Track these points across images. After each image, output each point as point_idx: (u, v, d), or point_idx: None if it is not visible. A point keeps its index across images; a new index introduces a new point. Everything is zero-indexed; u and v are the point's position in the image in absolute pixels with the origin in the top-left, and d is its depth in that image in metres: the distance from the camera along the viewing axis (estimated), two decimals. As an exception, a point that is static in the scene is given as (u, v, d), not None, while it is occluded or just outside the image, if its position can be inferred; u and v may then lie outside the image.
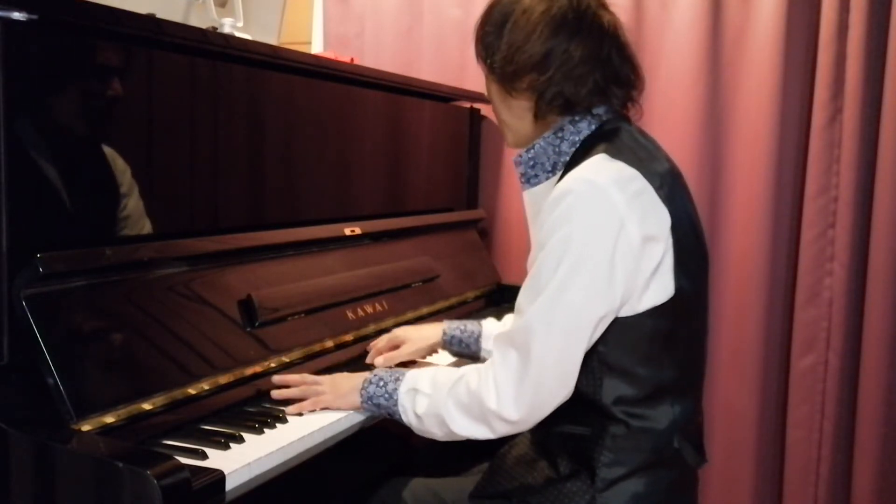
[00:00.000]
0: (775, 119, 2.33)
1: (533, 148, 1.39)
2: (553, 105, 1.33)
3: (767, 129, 2.34)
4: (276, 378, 1.51)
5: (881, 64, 2.21)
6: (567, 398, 1.27)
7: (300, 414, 1.44)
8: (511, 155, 2.72)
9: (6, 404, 1.16)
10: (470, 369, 1.34)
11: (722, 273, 2.43)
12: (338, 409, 1.46)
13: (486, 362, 1.32)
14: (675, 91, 2.42)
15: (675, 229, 1.28)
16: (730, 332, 2.43)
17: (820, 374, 2.35)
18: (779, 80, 2.31)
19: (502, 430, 1.30)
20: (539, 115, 1.36)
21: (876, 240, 2.23)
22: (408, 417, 1.39)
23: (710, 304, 1.45)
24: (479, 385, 1.29)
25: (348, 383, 1.47)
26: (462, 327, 1.75)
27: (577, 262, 1.23)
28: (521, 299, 1.29)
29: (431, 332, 1.76)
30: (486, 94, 1.45)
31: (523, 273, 1.34)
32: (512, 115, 1.40)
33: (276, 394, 1.48)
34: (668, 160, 1.38)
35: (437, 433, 1.36)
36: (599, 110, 1.36)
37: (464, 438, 1.34)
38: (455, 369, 1.38)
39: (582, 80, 1.31)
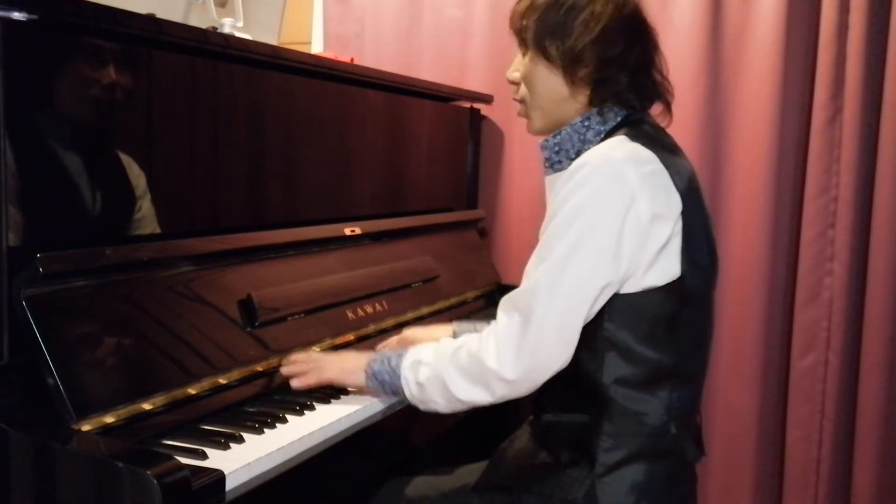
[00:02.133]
0: (775, 119, 2.33)
1: (559, 134, 1.42)
2: (606, 101, 1.38)
3: (767, 129, 2.34)
4: (286, 360, 1.54)
5: (881, 64, 2.21)
6: (566, 364, 1.29)
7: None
8: (512, 153, 2.72)
9: (6, 404, 1.16)
10: (471, 336, 1.37)
11: (722, 273, 2.42)
12: (341, 383, 1.50)
13: (489, 326, 1.35)
14: (675, 91, 2.41)
15: (686, 217, 1.31)
16: (730, 332, 2.43)
17: (820, 374, 2.35)
18: (779, 80, 2.31)
19: (500, 391, 1.32)
20: (575, 90, 1.39)
21: (876, 240, 2.23)
22: (410, 390, 1.41)
23: (715, 306, 1.47)
24: (480, 346, 1.32)
25: (354, 361, 1.50)
26: (473, 327, 1.76)
27: (586, 230, 1.26)
28: (529, 265, 1.33)
29: (441, 332, 1.76)
30: (514, 72, 1.45)
31: (523, 273, 1.35)
32: (553, 100, 1.41)
33: (284, 370, 1.52)
34: (686, 158, 1.42)
35: (440, 401, 1.38)
36: (627, 106, 1.40)
37: (465, 404, 1.36)
38: (457, 340, 1.41)
39: (636, 83, 1.38)
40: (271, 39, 2.75)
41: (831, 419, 2.35)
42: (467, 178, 2.63)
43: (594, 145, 1.37)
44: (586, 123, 1.40)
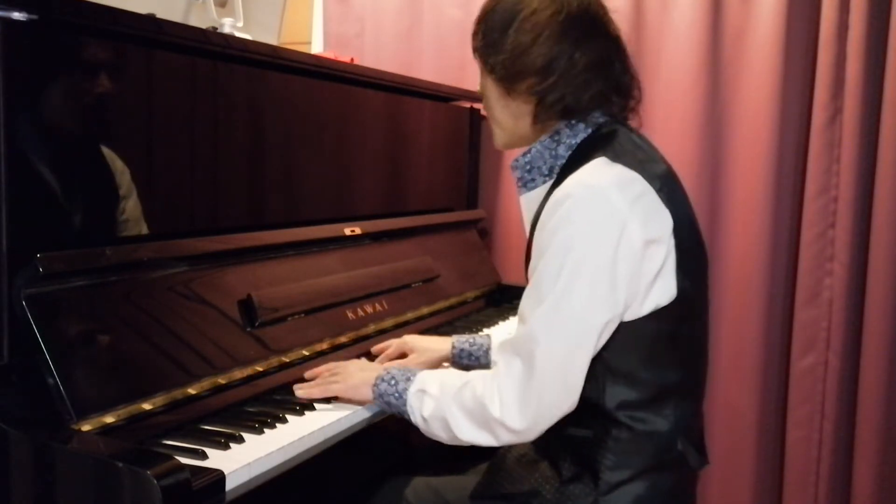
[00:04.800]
0: (775, 119, 2.33)
1: (529, 152, 1.38)
2: (553, 110, 1.33)
3: (767, 129, 2.34)
4: (308, 374, 1.55)
5: (881, 64, 2.21)
6: (573, 407, 1.25)
7: (312, 406, 1.45)
8: (511, 155, 2.72)
9: (6, 404, 1.16)
10: (477, 375, 1.33)
11: (722, 273, 2.43)
12: (348, 400, 1.47)
13: (492, 369, 1.31)
14: (675, 91, 2.42)
15: (677, 231, 1.28)
16: (730, 332, 2.43)
17: (820, 374, 2.35)
18: (779, 80, 2.32)
19: (506, 439, 1.28)
20: (538, 120, 1.35)
21: (876, 240, 2.23)
22: (416, 419, 1.38)
23: (711, 304, 1.45)
24: (484, 392, 1.27)
25: (361, 376, 1.47)
26: (471, 340, 1.74)
27: (578, 267, 1.21)
28: (524, 307, 1.28)
29: (440, 344, 1.75)
30: (479, 90, 1.44)
31: (523, 273, 1.34)
32: (507, 115, 1.39)
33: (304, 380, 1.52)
34: (665, 161, 1.38)
35: (443, 436, 1.35)
36: (596, 114, 1.35)
37: (468, 444, 1.32)
38: (463, 373, 1.37)
39: (584, 87, 1.31)
40: (271, 39, 2.75)
41: (831, 419, 2.35)
42: (467, 178, 2.63)
43: (566, 160, 1.34)
44: (556, 138, 1.35)
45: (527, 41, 1.31)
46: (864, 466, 2.28)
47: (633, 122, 1.41)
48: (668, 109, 2.43)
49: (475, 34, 1.40)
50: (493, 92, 1.39)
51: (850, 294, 2.30)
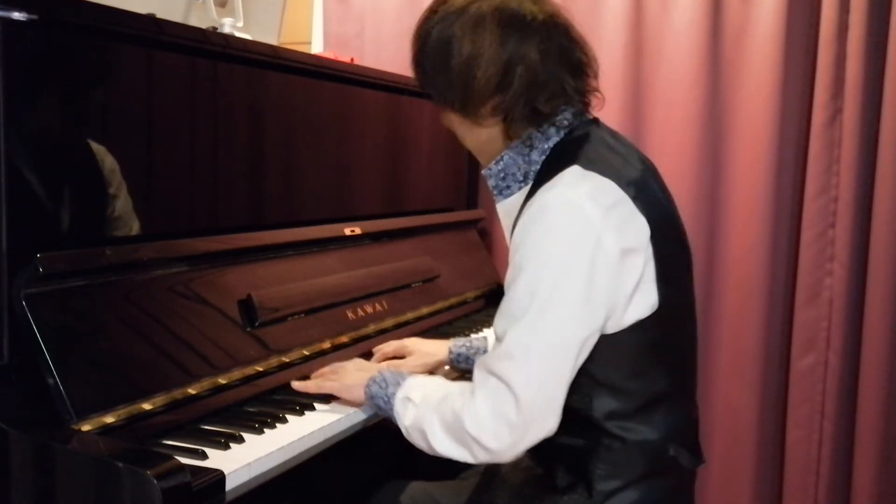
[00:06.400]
0: (775, 119, 2.33)
1: (502, 160, 1.34)
2: (522, 119, 1.29)
3: (767, 129, 2.34)
4: (313, 375, 1.55)
5: (881, 64, 2.21)
6: (556, 426, 1.22)
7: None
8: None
9: (6, 404, 1.16)
10: (458, 389, 1.30)
11: (722, 273, 2.43)
12: (342, 397, 1.47)
13: (471, 385, 1.27)
14: (675, 91, 2.42)
15: (655, 237, 1.24)
16: (730, 332, 2.43)
17: (820, 374, 2.36)
18: (779, 80, 2.32)
19: (482, 457, 1.24)
20: (512, 134, 1.31)
21: (876, 240, 2.23)
22: (401, 425, 1.35)
23: (699, 307, 1.42)
24: (462, 407, 1.23)
25: (356, 376, 1.46)
26: (468, 344, 1.72)
27: (554, 283, 1.18)
28: (498, 325, 1.24)
29: (438, 347, 1.74)
30: (444, 122, 1.39)
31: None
32: (480, 141, 1.36)
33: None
34: (642, 160, 1.34)
35: (423, 446, 1.32)
36: (567, 114, 1.31)
37: (444, 457, 1.29)
38: (448, 384, 1.34)
39: (544, 86, 1.27)
40: (271, 39, 2.74)
41: (831, 419, 2.35)
42: (467, 178, 2.62)
43: (539, 164, 1.31)
44: (528, 143, 1.31)
45: (472, 66, 1.26)
46: (864, 466, 2.28)
47: (597, 102, 1.36)
48: (668, 109, 2.43)
49: (416, 72, 1.35)
50: (460, 124, 1.36)
51: (850, 294, 2.31)
